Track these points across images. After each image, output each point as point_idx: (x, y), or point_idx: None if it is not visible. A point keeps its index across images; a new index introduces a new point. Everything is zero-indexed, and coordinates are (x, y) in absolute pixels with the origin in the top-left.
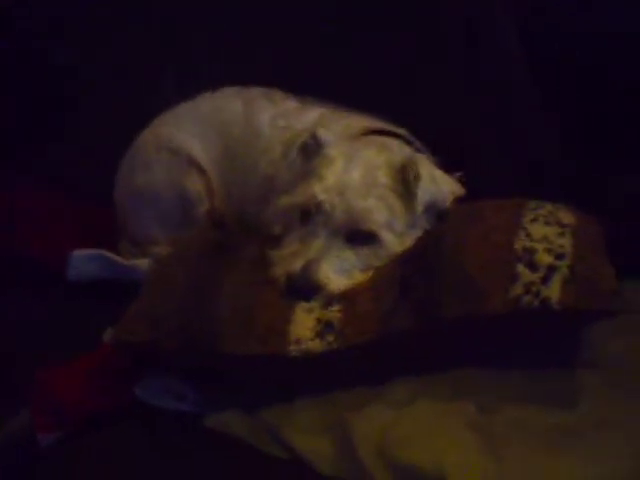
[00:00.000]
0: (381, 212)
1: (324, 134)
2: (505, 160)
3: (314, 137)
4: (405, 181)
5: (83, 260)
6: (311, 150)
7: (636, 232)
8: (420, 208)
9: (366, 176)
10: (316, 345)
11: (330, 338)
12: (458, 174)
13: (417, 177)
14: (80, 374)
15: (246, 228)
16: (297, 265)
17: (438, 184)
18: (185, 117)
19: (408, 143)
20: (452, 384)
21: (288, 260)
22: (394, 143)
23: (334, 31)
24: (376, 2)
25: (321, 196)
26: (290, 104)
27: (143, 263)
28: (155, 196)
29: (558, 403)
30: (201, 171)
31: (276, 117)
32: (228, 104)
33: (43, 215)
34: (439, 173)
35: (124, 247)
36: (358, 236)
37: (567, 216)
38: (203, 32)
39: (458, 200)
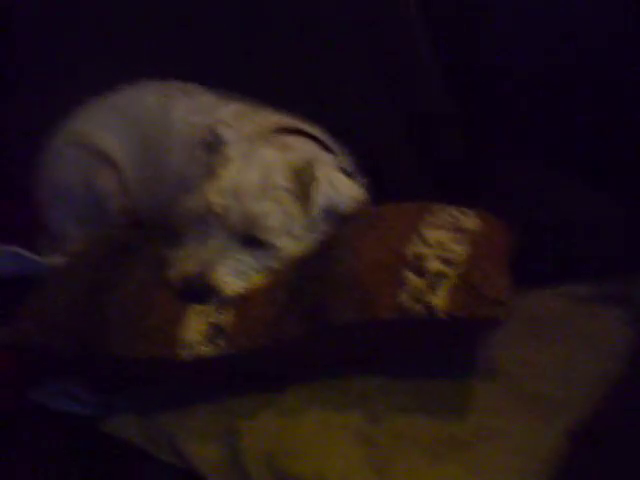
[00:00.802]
0: (277, 216)
1: (224, 132)
2: (419, 163)
3: (215, 135)
4: (302, 184)
5: None
6: (212, 148)
7: (541, 240)
8: (316, 211)
9: (262, 178)
10: (207, 350)
11: (221, 342)
12: (363, 179)
13: (313, 180)
14: None
15: (162, 227)
16: (192, 267)
17: (337, 188)
18: (99, 111)
19: (319, 142)
20: (342, 392)
21: (184, 261)
22: (299, 142)
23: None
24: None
25: (215, 199)
26: (206, 99)
27: (56, 259)
28: (67, 192)
29: (447, 414)
30: (114, 167)
31: (190, 112)
32: (144, 98)
33: None
34: (340, 177)
35: (43, 242)
36: (254, 239)
37: (471, 221)
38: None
39: (361, 205)
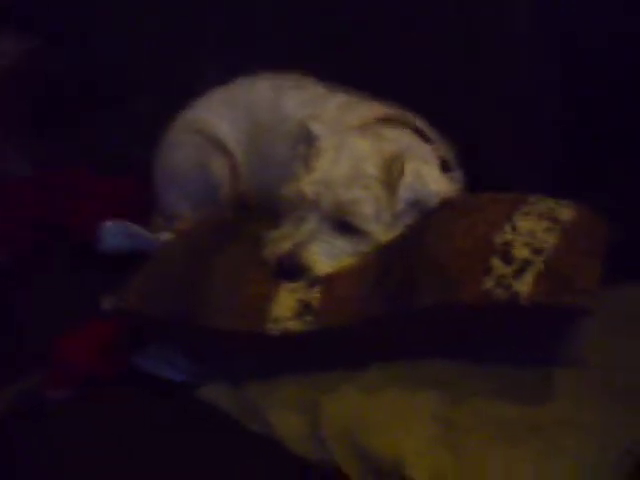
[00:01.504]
0: (367, 203)
1: (314, 126)
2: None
3: (306, 129)
4: (390, 174)
5: (112, 231)
6: (307, 141)
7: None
8: (401, 205)
9: (353, 167)
10: (295, 325)
11: (308, 319)
12: (460, 170)
13: (400, 173)
14: (87, 340)
15: (267, 210)
16: (286, 247)
17: (424, 182)
18: (216, 101)
19: (420, 133)
20: (422, 373)
21: (279, 242)
22: (395, 133)
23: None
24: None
25: (308, 188)
26: (317, 91)
27: (168, 237)
28: (181, 175)
29: (528, 400)
30: (227, 153)
31: (302, 103)
32: (258, 89)
33: (77, 189)
34: (430, 170)
35: (156, 221)
36: (345, 225)
37: (566, 213)
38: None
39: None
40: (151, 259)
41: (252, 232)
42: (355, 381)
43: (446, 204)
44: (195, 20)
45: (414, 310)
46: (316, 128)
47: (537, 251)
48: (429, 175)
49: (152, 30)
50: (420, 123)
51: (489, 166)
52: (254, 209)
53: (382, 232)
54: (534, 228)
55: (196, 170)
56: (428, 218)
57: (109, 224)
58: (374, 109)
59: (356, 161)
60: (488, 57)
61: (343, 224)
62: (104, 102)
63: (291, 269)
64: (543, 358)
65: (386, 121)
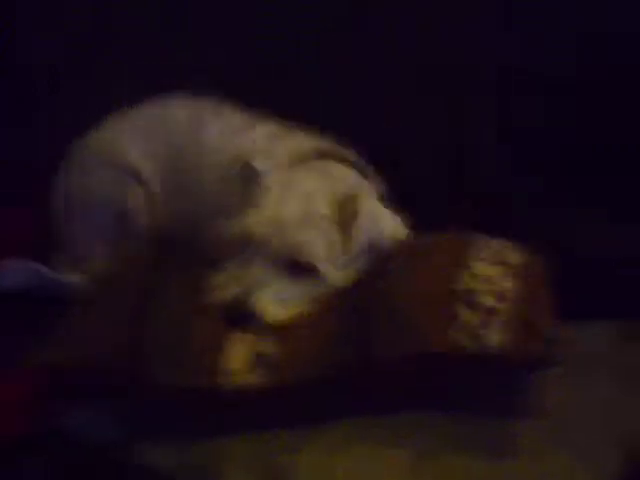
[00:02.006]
0: (320, 244)
1: (258, 163)
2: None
3: (249, 167)
4: (344, 216)
5: (12, 272)
6: (248, 178)
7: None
8: (357, 247)
9: (304, 207)
10: (249, 379)
11: (262, 372)
12: (401, 216)
13: (354, 214)
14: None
15: (191, 249)
16: (233, 292)
17: (378, 225)
18: (127, 124)
19: (357, 169)
20: (390, 428)
21: (224, 286)
22: (340, 170)
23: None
24: None
25: (257, 229)
26: (238, 119)
27: (76, 278)
28: (91, 206)
29: (498, 455)
30: (142, 183)
31: (223, 132)
32: (174, 112)
33: None
34: (382, 211)
35: (60, 259)
36: (297, 268)
37: (513, 256)
38: None
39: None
40: (74, 306)
41: (185, 275)
42: (318, 440)
43: (400, 247)
44: None
45: (379, 365)
46: (260, 164)
47: (500, 299)
48: (382, 217)
49: None
50: (355, 156)
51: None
52: (174, 245)
53: (336, 275)
54: (490, 273)
55: (108, 200)
56: (384, 262)
57: (8, 263)
58: (306, 141)
59: (307, 200)
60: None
61: (295, 266)
62: None
63: (241, 316)
64: (506, 405)
65: (322, 155)
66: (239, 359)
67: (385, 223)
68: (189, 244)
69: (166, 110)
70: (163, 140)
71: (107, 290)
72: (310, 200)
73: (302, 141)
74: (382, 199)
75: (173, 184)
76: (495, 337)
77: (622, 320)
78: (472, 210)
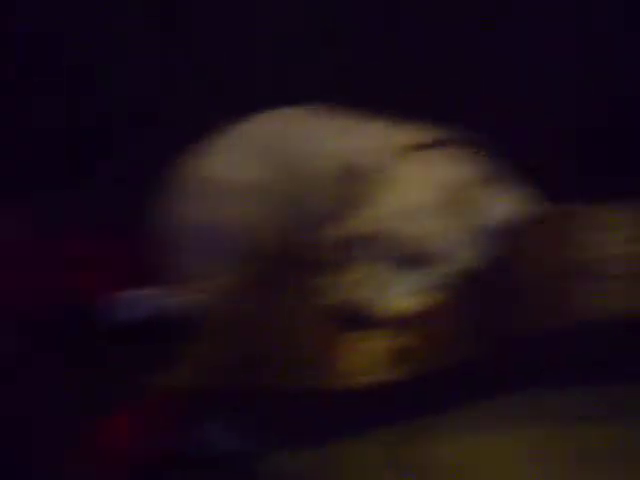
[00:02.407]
0: (439, 235)
1: (367, 160)
2: None
3: (357, 164)
4: (459, 203)
5: (129, 300)
6: (354, 177)
7: None
8: (479, 231)
9: (426, 197)
10: (384, 375)
11: (404, 366)
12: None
13: (472, 202)
14: (130, 423)
15: (299, 258)
16: (361, 293)
17: (495, 209)
18: (231, 143)
19: (469, 152)
20: (513, 408)
21: (349, 289)
22: (451, 157)
23: None
24: None
25: (379, 224)
26: (340, 122)
27: (190, 301)
28: (199, 229)
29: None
30: (248, 200)
31: (328, 138)
32: (275, 126)
33: (75, 257)
34: (498, 195)
35: (172, 283)
36: (423, 258)
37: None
38: None
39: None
40: (198, 326)
41: (298, 281)
42: (452, 426)
43: (523, 227)
44: None
45: (525, 339)
46: (369, 161)
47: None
48: (499, 200)
49: None
50: (465, 140)
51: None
52: (283, 258)
53: (461, 262)
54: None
55: (211, 221)
56: (510, 244)
57: (127, 294)
58: (416, 133)
59: (427, 190)
60: None
61: (417, 259)
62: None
63: (368, 317)
64: None
65: (433, 144)
66: (376, 356)
67: (501, 206)
68: (291, 251)
69: (264, 123)
70: (264, 153)
71: (223, 306)
72: (431, 191)
73: (409, 133)
74: (500, 178)
75: (280, 197)
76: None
77: None
78: None
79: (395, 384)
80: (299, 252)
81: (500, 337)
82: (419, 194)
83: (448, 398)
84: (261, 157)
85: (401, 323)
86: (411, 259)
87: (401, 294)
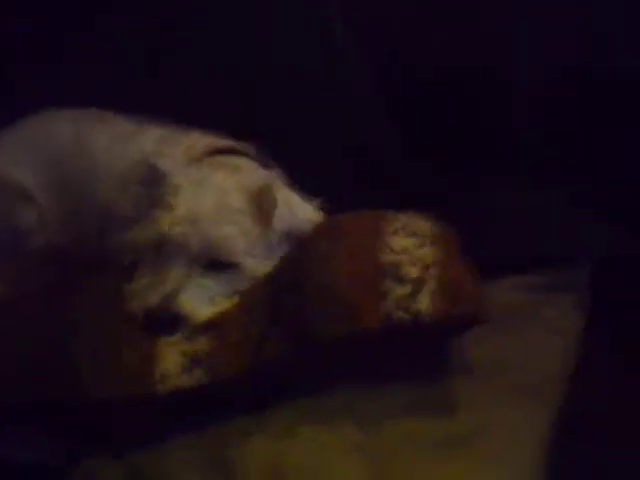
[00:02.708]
0: (237, 238)
1: (163, 163)
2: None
3: (152, 167)
4: (260, 207)
5: None
6: (152, 180)
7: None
8: (276, 237)
9: (219, 202)
10: (184, 381)
11: (199, 372)
12: (318, 200)
13: (272, 204)
14: None
15: (88, 261)
16: (154, 298)
17: (294, 212)
18: (10, 144)
19: (258, 161)
20: (331, 406)
21: (144, 293)
22: (244, 163)
23: None
24: None
25: (172, 228)
26: (125, 126)
27: None
28: None
29: (436, 414)
30: (32, 202)
31: (112, 141)
32: (57, 128)
33: None
34: (296, 199)
35: None
36: (218, 264)
37: (423, 226)
38: None
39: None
40: None
41: (100, 285)
42: (262, 428)
43: (317, 230)
44: None
45: (317, 343)
46: (164, 164)
47: (422, 268)
48: (297, 204)
49: None
50: (253, 150)
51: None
52: (72, 261)
53: (257, 267)
54: (408, 245)
55: (0, 223)
56: (303, 246)
57: None
58: (200, 139)
59: (220, 195)
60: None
61: (215, 263)
62: None
63: (165, 322)
64: (437, 367)
65: (220, 151)
66: (172, 362)
67: (300, 209)
68: (82, 255)
69: (46, 125)
70: (50, 156)
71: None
72: (223, 195)
73: (197, 139)
74: (291, 187)
75: (68, 200)
76: (424, 306)
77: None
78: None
79: (197, 388)
80: (99, 255)
81: (300, 339)
82: (216, 198)
83: (257, 400)
84: (39, 159)
85: (196, 327)
86: (206, 264)
87: (196, 298)
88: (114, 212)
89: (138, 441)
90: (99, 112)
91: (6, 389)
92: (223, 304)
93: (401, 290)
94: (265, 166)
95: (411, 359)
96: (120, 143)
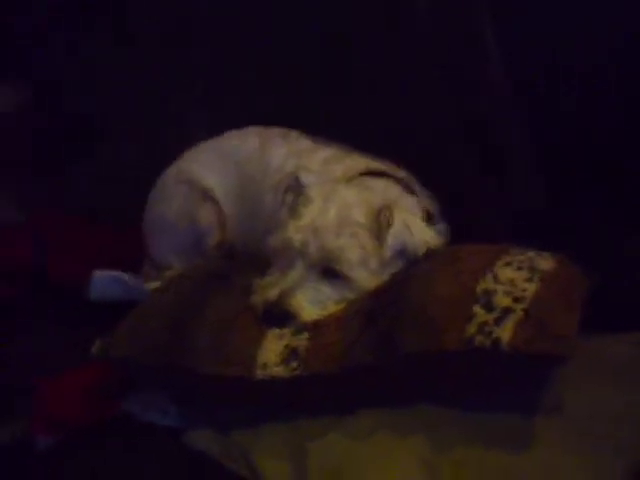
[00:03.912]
0: (354, 251)
1: (304, 176)
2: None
3: (295, 179)
4: (378, 224)
5: (103, 281)
6: (295, 191)
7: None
8: (388, 253)
9: (341, 215)
10: (281, 371)
11: (294, 365)
12: (444, 223)
13: (390, 223)
14: (73, 386)
15: (252, 259)
16: (273, 293)
17: (411, 232)
18: (206, 153)
19: (405, 186)
20: (408, 419)
21: (266, 289)
22: (381, 184)
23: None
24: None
25: (295, 236)
26: (303, 144)
27: (157, 286)
28: (170, 225)
29: (509, 447)
30: (215, 204)
31: (288, 156)
32: (247, 142)
33: (67, 236)
34: (416, 221)
35: (146, 270)
36: (332, 271)
37: (545, 263)
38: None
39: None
40: (140, 306)
41: (240, 281)
42: (342, 427)
43: (430, 254)
44: (180, 73)
45: (398, 357)
46: (305, 177)
47: (517, 299)
48: (415, 226)
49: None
50: (405, 175)
51: (470, 217)
52: (240, 259)
53: (368, 279)
54: (514, 277)
55: (184, 220)
56: (413, 267)
57: (100, 273)
58: (359, 162)
59: (344, 209)
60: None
61: (329, 271)
62: (88, 151)
63: (278, 316)
64: (523, 404)
65: (372, 173)
66: (274, 353)
67: (419, 231)
68: (249, 254)
69: (239, 138)
70: (234, 165)
71: (166, 290)
72: (347, 209)
73: (355, 161)
74: (427, 214)
75: (241, 204)
76: (506, 335)
77: None
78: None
79: (290, 380)
80: (248, 253)
81: (386, 350)
82: (339, 212)
83: (341, 401)
84: (227, 168)
85: (303, 325)
86: (321, 271)
87: (309, 299)
88: (274, 219)
89: (236, 418)
90: (285, 130)
91: (145, 354)
92: (331, 308)
93: (487, 316)
94: (409, 191)
95: (497, 388)
96: (293, 159)
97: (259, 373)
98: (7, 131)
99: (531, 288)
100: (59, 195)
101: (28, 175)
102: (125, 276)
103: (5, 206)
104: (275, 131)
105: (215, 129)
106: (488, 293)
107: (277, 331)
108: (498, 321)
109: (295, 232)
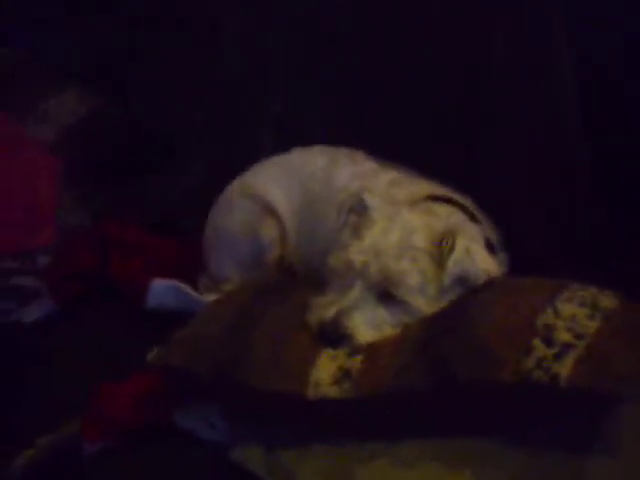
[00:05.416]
0: (414, 275)
1: (369, 198)
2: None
3: (359, 200)
4: (440, 249)
5: (162, 289)
6: (359, 212)
7: None
8: (448, 280)
9: (403, 239)
10: (333, 391)
11: (346, 386)
12: (504, 252)
13: (451, 249)
14: (127, 393)
15: (311, 277)
16: (330, 313)
17: (473, 260)
18: (272, 169)
19: (467, 212)
20: (457, 450)
21: (323, 308)
22: (445, 210)
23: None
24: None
25: (356, 256)
26: (368, 166)
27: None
28: (232, 238)
29: None
30: (277, 219)
31: (353, 177)
32: (314, 160)
33: (130, 243)
34: (478, 249)
35: (203, 282)
36: (390, 295)
37: (608, 301)
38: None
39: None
40: (197, 316)
41: (297, 297)
42: (390, 454)
43: (490, 283)
44: (251, 89)
45: (452, 385)
46: (369, 199)
47: (579, 336)
48: (477, 254)
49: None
50: (468, 203)
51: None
52: (299, 275)
53: (426, 305)
54: (576, 313)
55: (246, 233)
56: (472, 295)
57: (159, 282)
58: (423, 187)
59: (406, 233)
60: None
61: (388, 294)
62: (157, 163)
63: (334, 335)
64: (579, 442)
65: (435, 199)
66: (327, 372)
67: (480, 259)
68: (309, 271)
69: (306, 156)
70: (300, 182)
71: (224, 303)
72: (410, 233)
73: (420, 185)
74: (489, 242)
75: (304, 220)
76: (565, 371)
77: None
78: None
79: (341, 401)
80: (306, 270)
81: (439, 378)
82: (401, 235)
83: (390, 427)
84: (292, 184)
85: (353, 347)
86: (380, 293)
87: (366, 321)
88: (336, 239)
89: (284, 437)
90: (352, 151)
91: (201, 363)
92: (386, 331)
93: (546, 351)
94: (473, 218)
95: (550, 425)
96: (358, 180)
97: (311, 392)
98: (77, 139)
99: (593, 325)
100: (125, 204)
101: (95, 183)
102: (183, 286)
103: (73, 210)
104: (342, 151)
105: (281, 146)
106: (549, 328)
107: (331, 351)
108: (557, 356)
109: (356, 253)
